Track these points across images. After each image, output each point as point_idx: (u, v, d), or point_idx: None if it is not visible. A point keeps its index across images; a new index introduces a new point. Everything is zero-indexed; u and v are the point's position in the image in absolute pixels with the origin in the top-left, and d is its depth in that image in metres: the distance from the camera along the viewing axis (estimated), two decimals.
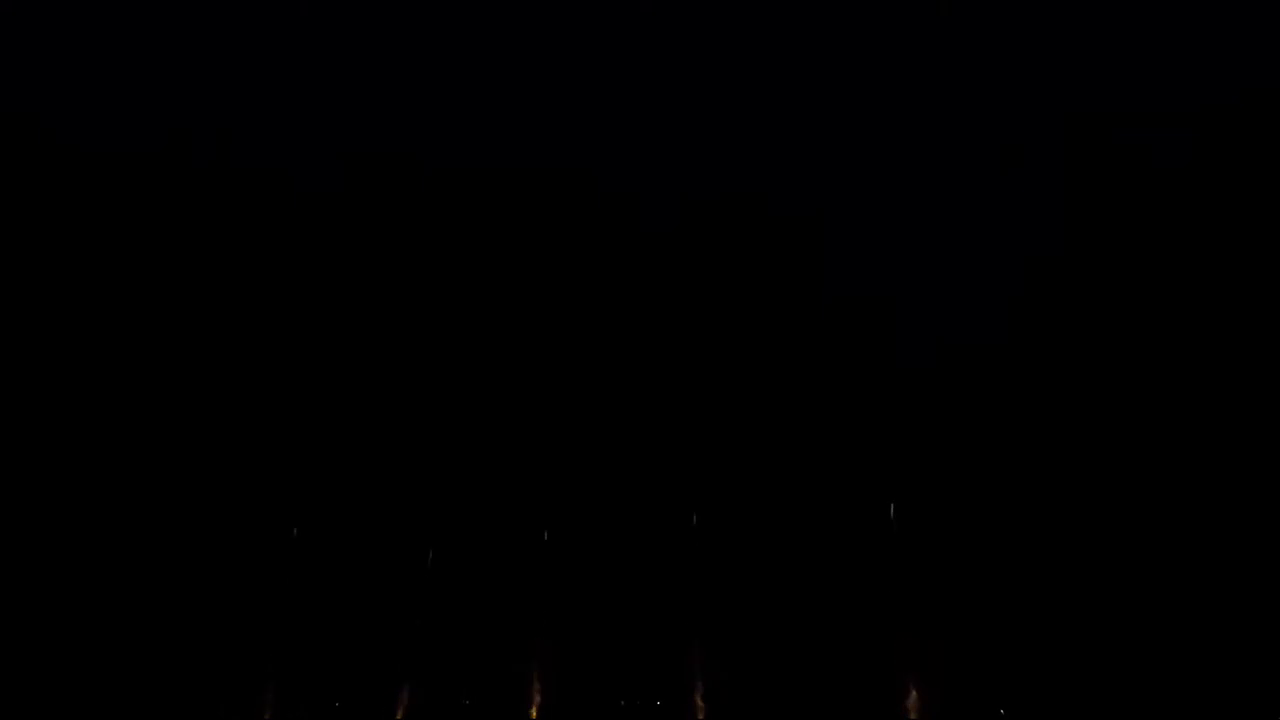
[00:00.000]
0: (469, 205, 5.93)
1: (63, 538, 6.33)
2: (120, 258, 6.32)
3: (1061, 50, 5.43)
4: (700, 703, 5.93)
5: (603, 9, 5.68)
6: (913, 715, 5.48)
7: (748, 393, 5.47)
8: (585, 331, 5.66)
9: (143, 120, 6.18)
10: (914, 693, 5.43)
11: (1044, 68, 5.48)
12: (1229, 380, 5.13)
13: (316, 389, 6.19)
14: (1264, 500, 5.03)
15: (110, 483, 6.40)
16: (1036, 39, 5.47)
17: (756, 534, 5.77)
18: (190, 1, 5.98)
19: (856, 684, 5.64)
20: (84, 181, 6.31)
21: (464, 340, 5.84)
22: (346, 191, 6.18)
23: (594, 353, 5.70)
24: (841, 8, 5.49)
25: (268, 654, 6.39)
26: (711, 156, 5.77)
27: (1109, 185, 5.52)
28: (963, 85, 5.46)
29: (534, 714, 6.16)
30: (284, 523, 6.36)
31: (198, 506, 6.42)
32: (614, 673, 5.88)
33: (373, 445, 6.02)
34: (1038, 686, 5.33)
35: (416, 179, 6.14)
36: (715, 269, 5.66)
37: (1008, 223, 5.47)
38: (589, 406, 5.67)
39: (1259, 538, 5.07)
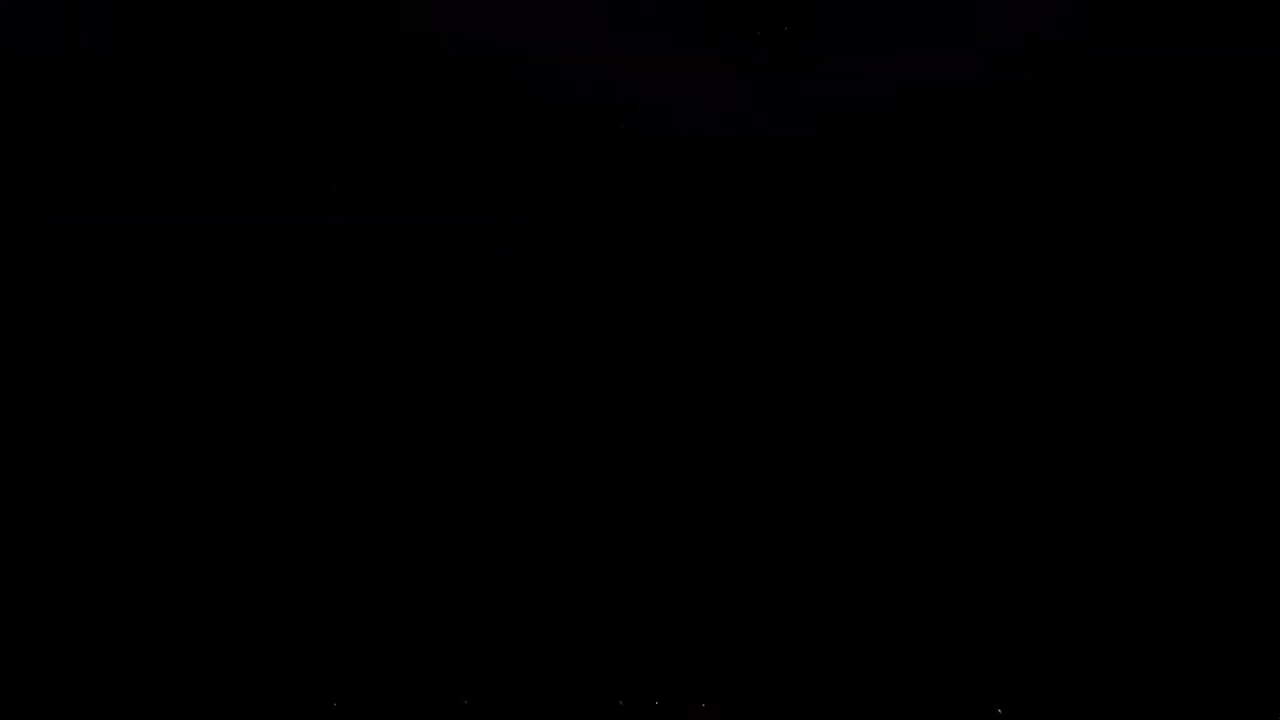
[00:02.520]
0: None
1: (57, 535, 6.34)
2: None
3: None
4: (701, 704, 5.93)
5: None
6: (909, 713, 5.50)
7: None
8: None
9: None
10: (912, 690, 5.45)
11: None
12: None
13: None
14: (1267, 500, 5.02)
15: (106, 481, 6.42)
16: None
17: (755, 532, 5.75)
18: None
19: (856, 682, 5.65)
20: None
21: None
22: None
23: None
24: None
25: (267, 654, 6.39)
26: None
27: None
28: None
29: (532, 714, 6.17)
30: (280, 517, 6.37)
31: (194, 504, 6.41)
32: (614, 673, 5.89)
33: (368, 442, 6.02)
34: (1037, 686, 5.33)
35: None
36: None
37: None
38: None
39: (1261, 536, 5.07)
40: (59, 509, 6.33)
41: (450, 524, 6.28)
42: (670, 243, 6.01)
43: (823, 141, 5.78)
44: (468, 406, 6.30)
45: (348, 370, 6.31)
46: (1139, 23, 5.33)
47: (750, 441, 5.92)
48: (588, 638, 6.07)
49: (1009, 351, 5.68)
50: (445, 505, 6.30)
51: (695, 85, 5.83)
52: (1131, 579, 5.36)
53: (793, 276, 5.95)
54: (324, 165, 6.11)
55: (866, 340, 5.84)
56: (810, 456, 5.80)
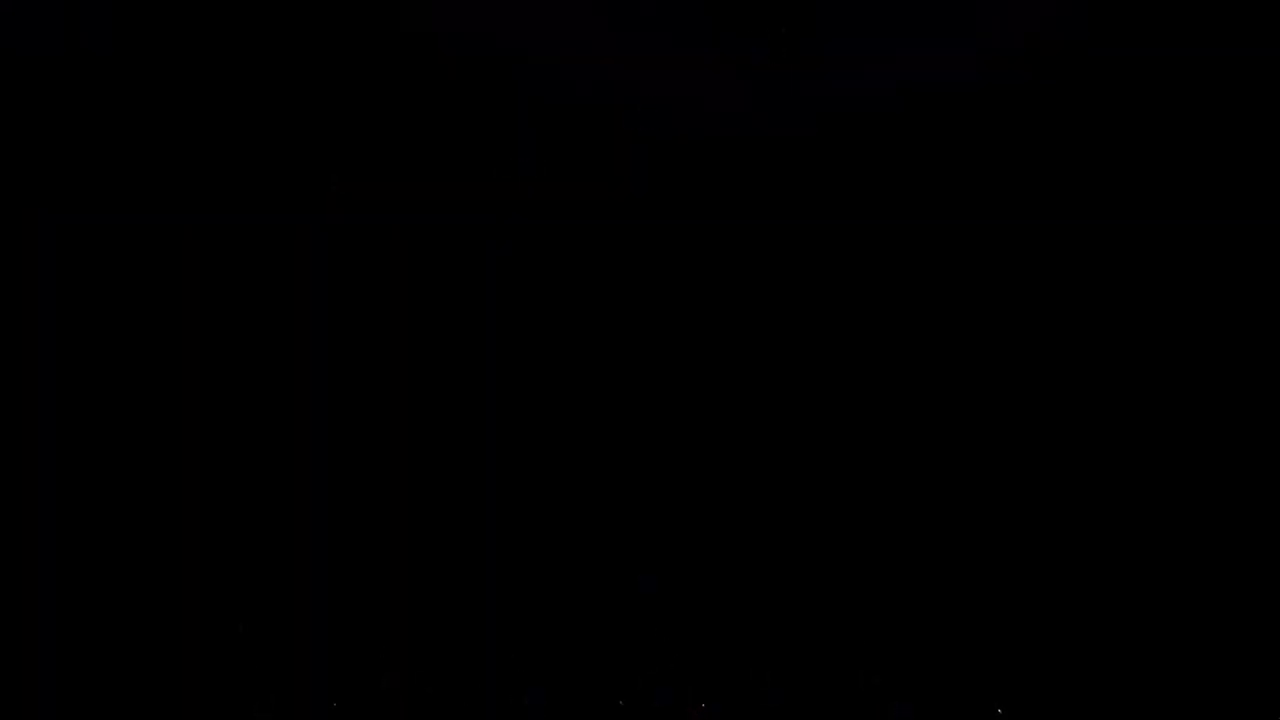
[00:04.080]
0: None
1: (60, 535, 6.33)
2: None
3: None
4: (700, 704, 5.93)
5: None
6: (910, 712, 5.49)
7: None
8: None
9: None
10: (912, 690, 5.44)
11: None
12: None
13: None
14: (1266, 499, 5.01)
15: (106, 480, 6.41)
16: None
17: (755, 532, 5.75)
18: None
19: (856, 682, 5.65)
20: None
21: None
22: None
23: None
24: None
25: (267, 654, 6.38)
26: None
27: None
28: None
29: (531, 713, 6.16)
30: (280, 522, 6.36)
31: (194, 503, 6.41)
32: (614, 673, 5.88)
33: (368, 441, 6.02)
34: (1037, 686, 5.33)
35: None
36: None
37: None
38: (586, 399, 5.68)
39: (1260, 537, 5.06)
40: (59, 507, 6.33)
41: (450, 524, 6.29)
42: (670, 243, 6.00)
43: (823, 141, 5.77)
44: (468, 405, 6.30)
45: (348, 369, 6.31)
46: (1139, 23, 5.32)
47: (750, 440, 5.92)
48: (587, 637, 6.08)
49: (1008, 350, 5.68)
50: (445, 505, 6.30)
51: (695, 85, 5.82)
52: (1131, 580, 5.36)
53: (792, 276, 5.95)
54: (324, 165, 6.10)
55: (866, 339, 5.84)
56: (810, 455, 5.80)
